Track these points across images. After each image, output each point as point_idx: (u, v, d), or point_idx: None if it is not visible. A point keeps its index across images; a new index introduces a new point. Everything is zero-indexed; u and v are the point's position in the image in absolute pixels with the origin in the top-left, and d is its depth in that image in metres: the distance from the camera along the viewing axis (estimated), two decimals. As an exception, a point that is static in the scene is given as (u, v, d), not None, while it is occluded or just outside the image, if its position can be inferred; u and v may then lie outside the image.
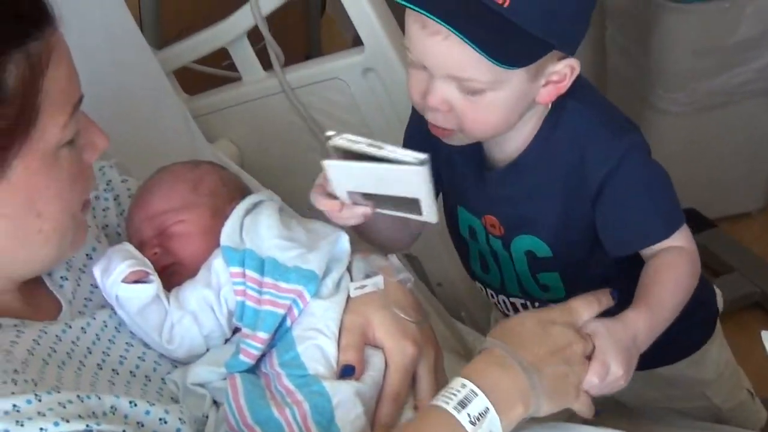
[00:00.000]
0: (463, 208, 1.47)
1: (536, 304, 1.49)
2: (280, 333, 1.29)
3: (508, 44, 1.20)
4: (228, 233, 1.34)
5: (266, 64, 2.24)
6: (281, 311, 1.28)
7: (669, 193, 1.39)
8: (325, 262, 1.31)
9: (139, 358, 1.30)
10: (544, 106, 1.35)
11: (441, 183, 1.47)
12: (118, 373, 1.25)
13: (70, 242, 1.24)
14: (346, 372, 1.24)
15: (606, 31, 2.89)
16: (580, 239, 1.40)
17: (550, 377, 1.18)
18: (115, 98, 1.76)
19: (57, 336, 1.22)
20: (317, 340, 1.26)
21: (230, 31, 2.20)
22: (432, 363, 1.31)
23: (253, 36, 2.20)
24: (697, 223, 2.89)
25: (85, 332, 1.27)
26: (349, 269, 1.35)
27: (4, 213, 1.15)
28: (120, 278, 1.29)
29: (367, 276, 1.34)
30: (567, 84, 1.31)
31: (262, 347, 1.27)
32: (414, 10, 1.20)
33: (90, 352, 1.25)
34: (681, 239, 1.37)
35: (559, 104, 1.35)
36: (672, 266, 1.35)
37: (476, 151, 1.41)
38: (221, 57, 2.28)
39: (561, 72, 1.29)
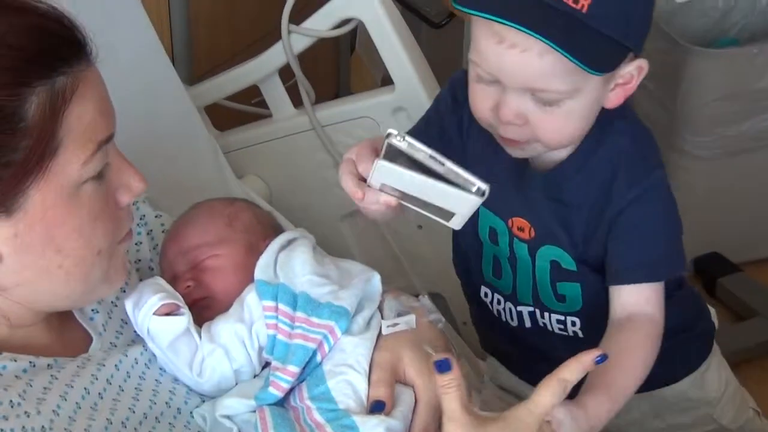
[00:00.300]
0: (487, 209, 1.43)
1: (545, 314, 1.47)
2: (310, 367, 1.29)
3: (591, 50, 1.19)
4: (262, 267, 1.35)
5: (296, 102, 2.25)
6: (312, 345, 1.28)
7: (679, 237, 1.38)
8: (357, 299, 1.32)
9: (170, 392, 1.31)
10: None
11: None
12: (146, 417, 1.25)
13: (100, 279, 1.23)
14: (377, 407, 1.24)
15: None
16: (600, 260, 1.39)
17: None
18: (147, 133, 1.77)
19: (93, 375, 1.23)
20: (348, 375, 1.26)
21: (262, 68, 2.21)
22: (462, 402, 1.31)
23: (284, 73, 2.22)
24: (722, 266, 2.88)
25: (118, 369, 1.27)
26: (380, 308, 1.36)
27: (23, 243, 1.13)
28: (152, 311, 1.30)
29: (399, 314, 1.34)
30: (634, 86, 1.30)
31: (292, 380, 1.27)
32: (499, 22, 1.18)
33: (122, 390, 1.26)
34: (653, 302, 1.36)
35: (606, 122, 1.35)
36: (637, 349, 1.33)
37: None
38: (252, 94, 2.29)
39: (628, 74, 1.29)
